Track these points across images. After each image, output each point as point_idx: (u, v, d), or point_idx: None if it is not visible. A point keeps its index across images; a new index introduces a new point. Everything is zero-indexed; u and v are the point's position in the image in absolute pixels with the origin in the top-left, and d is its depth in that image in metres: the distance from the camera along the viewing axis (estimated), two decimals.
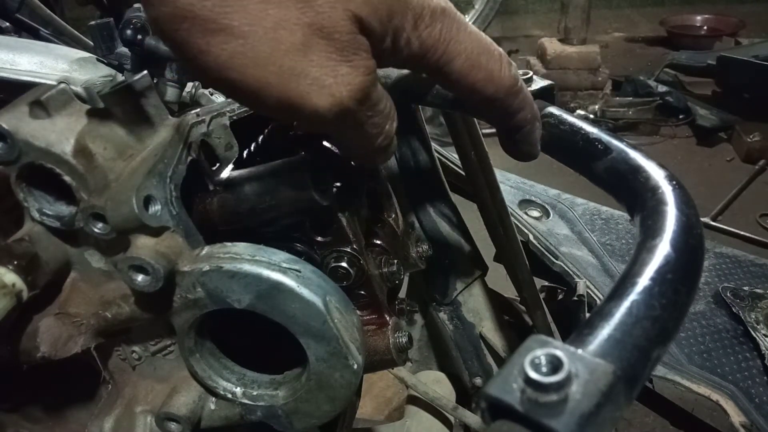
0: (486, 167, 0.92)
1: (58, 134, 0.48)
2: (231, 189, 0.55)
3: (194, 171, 0.53)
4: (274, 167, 0.55)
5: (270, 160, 0.57)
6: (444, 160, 1.05)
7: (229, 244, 0.50)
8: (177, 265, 0.48)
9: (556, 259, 1.11)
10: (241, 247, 0.49)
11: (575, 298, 1.03)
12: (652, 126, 4.13)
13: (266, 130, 0.65)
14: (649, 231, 0.41)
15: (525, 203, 1.30)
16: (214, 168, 0.56)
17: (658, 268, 0.37)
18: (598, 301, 1.01)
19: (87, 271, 0.54)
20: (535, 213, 1.27)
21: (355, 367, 0.49)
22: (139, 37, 0.69)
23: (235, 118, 0.56)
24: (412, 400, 1.17)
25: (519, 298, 1.13)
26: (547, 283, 1.24)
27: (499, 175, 1.04)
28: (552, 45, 4.59)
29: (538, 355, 0.27)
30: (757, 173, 3.55)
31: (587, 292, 1.03)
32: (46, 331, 0.54)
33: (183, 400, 0.54)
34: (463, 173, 0.98)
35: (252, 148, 0.65)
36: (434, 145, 0.96)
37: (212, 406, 0.55)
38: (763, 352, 0.95)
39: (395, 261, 0.68)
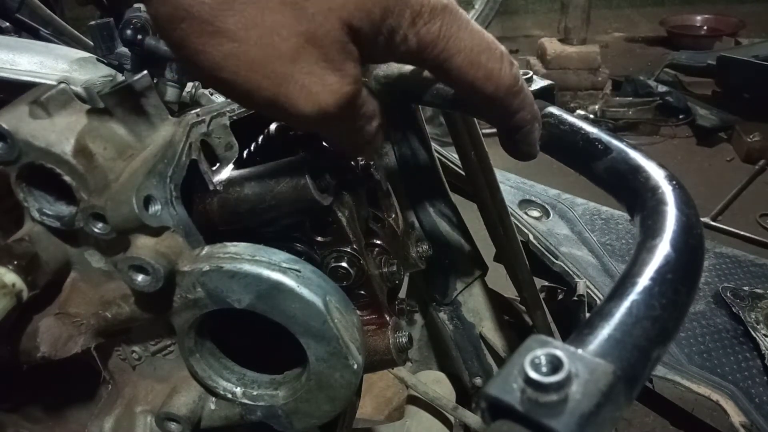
0: (486, 167, 0.92)
1: (58, 134, 0.48)
2: (231, 189, 0.55)
3: (194, 171, 0.53)
4: (274, 167, 0.55)
5: (270, 160, 0.57)
6: (444, 160, 1.05)
7: (229, 244, 0.50)
8: (177, 265, 0.48)
9: (556, 259, 1.11)
10: (241, 247, 0.49)
11: (575, 298, 1.03)
12: (652, 126, 4.13)
13: (266, 130, 0.65)
14: (649, 231, 0.41)
15: (525, 203, 1.30)
16: (214, 168, 0.56)
17: (658, 268, 0.37)
18: (598, 301, 1.01)
19: (87, 271, 0.54)
20: (535, 213, 1.27)
21: (355, 367, 0.49)
22: (139, 37, 0.69)
23: (235, 118, 0.57)
24: (412, 400, 1.17)
25: (519, 298, 1.13)
26: (547, 283, 1.24)
27: (499, 175, 1.04)
28: (552, 45, 4.59)
29: (538, 355, 0.27)
30: (757, 173, 3.55)
31: (587, 292, 1.03)
32: (46, 331, 0.54)
33: (183, 400, 0.54)
34: (463, 173, 0.98)
35: (252, 148, 0.65)
36: (434, 145, 0.96)
37: (212, 406, 0.55)
38: (763, 352, 0.95)
39: (395, 261, 0.68)
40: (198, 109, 0.56)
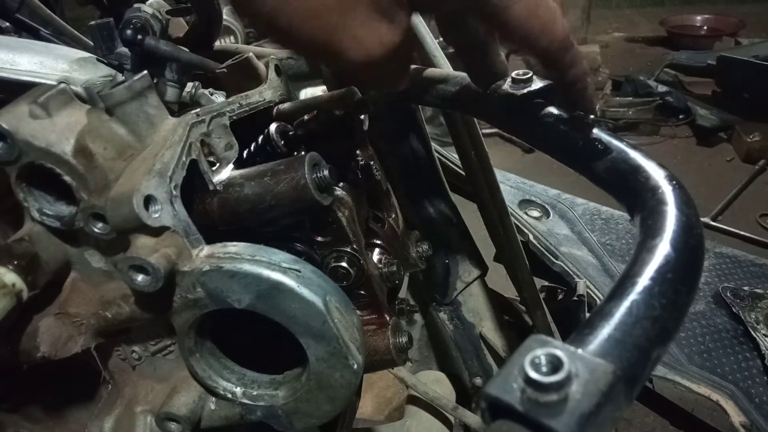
0: (486, 167, 0.92)
1: (58, 134, 0.48)
2: (231, 189, 0.55)
3: (194, 171, 0.53)
4: (274, 167, 0.55)
5: (270, 160, 0.57)
6: (444, 160, 1.05)
7: (229, 244, 0.50)
8: (177, 265, 0.48)
9: (556, 259, 1.11)
10: (241, 247, 0.49)
11: (575, 298, 1.03)
12: (652, 126, 4.13)
13: (266, 130, 0.65)
14: (649, 231, 0.41)
15: (525, 203, 1.30)
16: (214, 168, 0.56)
17: (658, 268, 0.37)
18: (598, 301, 1.01)
19: (87, 271, 0.54)
20: (535, 213, 1.27)
21: (355, 367, 0.49)
22: (139, 37, 0.69)
23: (235, 118, 0.57)
24: (412, 400, 1.17)
25: (519, 298, 1.13)
26: (547, 283, 1.24)
27: (499, 175, 1.04)
28: None
29: (538, 354, 0.27)
30: (757, 173, 3.55)
31: (587, 292, 1.03)
32: (46, 331, 0.54)
33: (183, 400, 0.54)
34: (463, 173, 0.98)
35: (252, 148, 0.65)
36: (434, 145, 0.96)
37: (212, 406, 0.55)
38: (763, 352, 0.95)
39: (395, 261, 0.68)
40: (198, 109, 0.56)
